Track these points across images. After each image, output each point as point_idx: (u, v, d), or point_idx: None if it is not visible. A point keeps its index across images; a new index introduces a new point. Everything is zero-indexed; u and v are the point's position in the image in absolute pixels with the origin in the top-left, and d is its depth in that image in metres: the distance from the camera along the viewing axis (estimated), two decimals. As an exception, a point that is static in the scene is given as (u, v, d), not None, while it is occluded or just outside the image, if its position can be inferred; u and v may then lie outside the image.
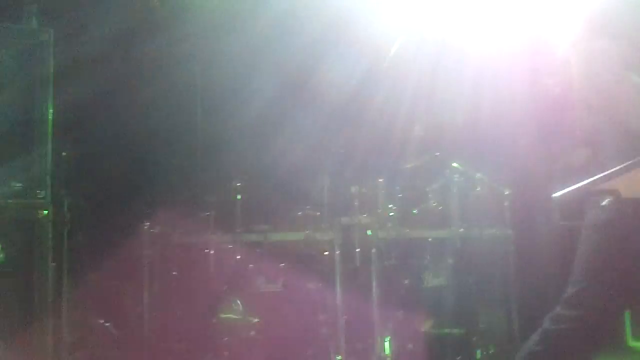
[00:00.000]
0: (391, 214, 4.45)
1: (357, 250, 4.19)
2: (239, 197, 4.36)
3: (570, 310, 2.07)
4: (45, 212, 3.14)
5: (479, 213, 4.56)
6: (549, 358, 2.07)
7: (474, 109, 4.80)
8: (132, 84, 4.96)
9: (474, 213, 4.55)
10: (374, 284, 4.08)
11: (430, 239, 4.46)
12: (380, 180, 4.47)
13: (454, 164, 4.62)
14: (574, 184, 1.99)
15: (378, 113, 5.03)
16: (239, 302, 4.11)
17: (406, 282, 4.33)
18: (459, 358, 4.09)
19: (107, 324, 4.36)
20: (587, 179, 2.00)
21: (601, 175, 2.04)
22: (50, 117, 3.24)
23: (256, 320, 4.05)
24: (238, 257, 4.29)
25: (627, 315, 4.02)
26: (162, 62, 5.06)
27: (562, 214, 4.58)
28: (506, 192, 4.55)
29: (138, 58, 5.01)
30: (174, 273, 4.36)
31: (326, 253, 4.32)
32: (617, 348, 4.09)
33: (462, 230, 4.45)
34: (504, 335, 4.43)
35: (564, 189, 2.00)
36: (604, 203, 2.10)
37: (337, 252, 4.10)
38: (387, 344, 4.05)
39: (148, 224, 4.37)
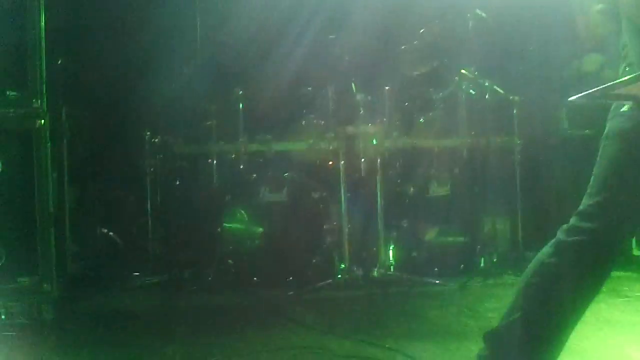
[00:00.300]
0: (397, 122, 4.37)
1: (362, 159, 4.13)
2: (241, 105, 4.27)
3: (586, 222, 2.00)
4: (42, 121, 3.06)
5: (487, 122, 4.47)
6: (563, 270, 2.02)
7: (482, 15, 4.63)
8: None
9: (482, 122, 4.47)
10: (379, 193, 4.05)
11: (436, 149, 4.39)
12: (387, 88, 4.35)
13: (463, 71, 4.48)
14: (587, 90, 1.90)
15: (384, 19, 4.85)
16: (242, 212, 4.10)
17: (411, 191, 4.30)
18: (462, 266, 4.10)
19: (110, 234, 4.38)
20: (601, 85, 1.90)
21: (618, 80, 1.94)
22: (42, 23, 3.11)
23: (260, 229, 4.05)
24: (241, 166, 4.25)
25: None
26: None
27: (573, 122, 4.49)
28: (515, 100, 4.42)
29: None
30: (176, 183, 4.33)
31: (330, 163, 4.27)
32: (623, 257, 4.10)
33: (469, 139, 4.38)
34: (509, 244, 4.44)
35: (576, 95, 1.90)
36: (623, 109, 2.00)
37: (342, 162, 4.05)
38: (391, 252, 4.07)
39: (149, 133, 4.31)
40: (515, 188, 4.31)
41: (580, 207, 2.04)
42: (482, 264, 4.13)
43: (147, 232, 4.31)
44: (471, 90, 4.46)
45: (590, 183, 2.05)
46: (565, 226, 2.06)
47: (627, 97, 1.95)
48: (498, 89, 4.45)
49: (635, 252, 4.14)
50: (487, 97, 4.44)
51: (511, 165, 4.36)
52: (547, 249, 2.08)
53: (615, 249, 2.05)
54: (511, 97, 4.42)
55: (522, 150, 4.37)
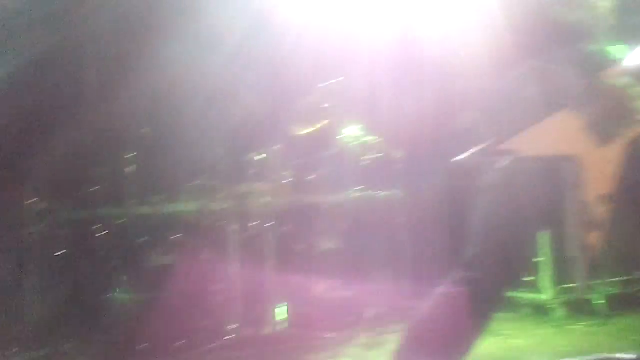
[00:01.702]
0: (287, 181, 4.47)
1: (253, 218, 4.18)
2: (131, 168, 4.25)
3: (470, 272, 2.10)
4: None
5: (374, 176, 4.64)
6: (448, 320, 2.09)
7: (368, 73, 4.83)
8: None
9: (369, 177, 4.63)
10: (270, 251, 4.09)
11: (325, 205, 4.50)
12: (276, 147, 4.46)
13: (349, 129, 4.67)
14: (469, 147, 2.04)
15: (273, 80, 4.99)
16: (129, 277, 4.04)
17: (302, 248, 4.37)
18: (352, 318, 4.17)
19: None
20: (482, 141, 2.06)
21: (496, 136, 2.09)
22: None
23: (150, 294, 4.00)
24: (130, 230, 4.20)
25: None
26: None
27: (459, 176, 4.70)
28: (399, 155, 4.63)
29: None
30: (60, 251, 4.22)
31: (222, 223, 4.29)
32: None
33: (356, 194, 4.52)
34: (399, 294, 4.55)
35: (459, 151, 2.05)
36: (499, 164, 2.15)
37: (233, 222, 4.09)
38: (282, 310, 4.09)
39: (33, 199, 4.20)
40: (403, 240, 4.46)
41: (463, 258, 2.15)
42: (371, 315, 4.22)
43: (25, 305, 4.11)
44: (358, 147, 4.64)
45: (470, 234, 2.17)
46: (449, 276, 2.15)
47: (505, 153, 2.10)
48: (383, 145, 4.65)
49: (512, 294, 4.33)
50: (373, 153, 4.63)
51: (398, 219, 4.53)
52: (430, 300, 2.16)
53: (499, 296, 2.16)
54: (395, 153, 4.63)
55: (408, 203, 4.55)
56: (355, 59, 4.82)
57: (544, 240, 4.11)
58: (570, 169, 2.00)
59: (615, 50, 2.23)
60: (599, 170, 2.03)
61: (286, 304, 4.13)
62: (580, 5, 2.17)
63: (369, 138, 4.67)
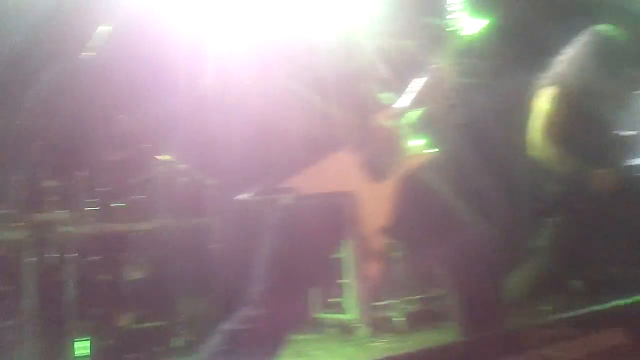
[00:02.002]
0: (92, 208, 4.28)
1: (53, 248, 3.96)
2: None
3: (255, 310, 2.12)
4: None
5: (184, 204, 4.59)
6: (235, 358, 2.09)
7: (180, 101, 4.81)
8: None
9: (179, 205, 4.57)
10: (72, 283, 3.89)
11: (133, 232, 4.37)
12: (81, 173, 4.27)
13: (160, 157, 4.60)
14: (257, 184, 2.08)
15: (81, 104, 4.80)
16: None
17: (107, 278, 4.19)
18: (158, 348, 4.07)
19: None
20: (269, 177, 2.11)
21: (279, 174, 2.15)
22: None
23: None
24: None
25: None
26: None
27: (246, 214, 4.77)
28: (210, 183, 4.62)
29: None
30: None
31: (17, 253, 4.01)
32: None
33: (165, 222, 4.43)
34: (204, 324, 4.49)
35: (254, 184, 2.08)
36: (282, 202, 2.20)
37: (30, 252, 3.84)
38: (84, 345, 3.89)
39: None
40: (211, 268, 4.43)
41: (250, 295, 2.16)
42: (178, 344, 4.14)
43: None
44: (167, 174, 4.57)
45: (256, 271, 2.19)
46: (236, 314, 2.16)
47: (287, 191, 2.16)
48: (193, 173, 4.62)
49: (316, 314, 4.47)
50: (182, 180, 4.58)
51: (207, 246, 4.50)
52: (218, 337, 2.15)
53: (285, 331, 2.19)
54: (206, 181, 4.62)
55: (218, 231, 4.54)
56: (164, 84, 4.79)
57: (349, 261, 4.30)
58: (349, 204, 2.14)
59: (387, 95, 2.43)
60: (376, 204, 2.19)
61: (89, 337, 3.92)
62: (359, 54, 2.34)
63: (181, 165, 4.63)
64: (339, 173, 2.18)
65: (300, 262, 2.15)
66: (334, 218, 2.15)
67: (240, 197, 2.18)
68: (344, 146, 2.20)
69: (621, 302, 2.30)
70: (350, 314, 4.35)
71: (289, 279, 2.16)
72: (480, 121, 4.99)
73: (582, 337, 1.90)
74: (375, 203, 2.20)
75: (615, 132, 3.71)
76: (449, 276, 2.38)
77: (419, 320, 4.35)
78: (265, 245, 2.23)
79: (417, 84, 2.41)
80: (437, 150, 2.40)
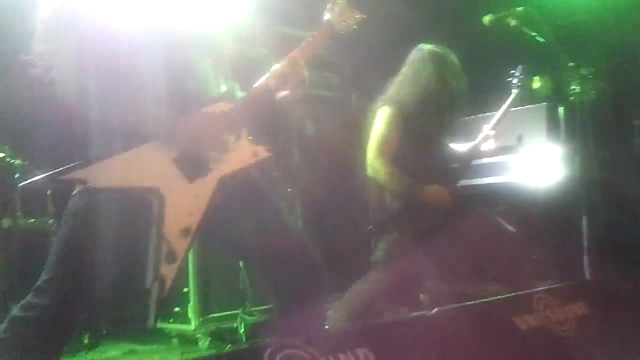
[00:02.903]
0: None
1: None
2: None
3: (39, 298, 2.04)
4: None
5: (19, 202, 4.31)
6: (16, 347, 2.00)
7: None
8: None
9: (15, 202, 4.29)
10: None
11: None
12: None
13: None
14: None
15: None
16: None
17: None
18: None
19: None
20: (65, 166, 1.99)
21: (70, 165, 2.05)
22: None
23: None
24: None
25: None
26: None
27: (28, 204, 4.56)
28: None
29: None
30: None
31: None
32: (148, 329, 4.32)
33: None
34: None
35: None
36: (74, 192, 2.12)
37: None
38: None
39: None
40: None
41: (37, 283, 2.07)
42: None
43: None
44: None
45: (48, 259, 2.10)
46: (22, 302, 2.07)
47: (79, 182, 2.06)
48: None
49: (158, 325, 4.36)
50: (17, 175, 4.31)
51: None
52: (3, 324, 2.06)
53: (66, 325, 2.11)
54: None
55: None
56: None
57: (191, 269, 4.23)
58: (154, 201, 2.06)
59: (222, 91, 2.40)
60: (185, 204, 2.12)
61: None
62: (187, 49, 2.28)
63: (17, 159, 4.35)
64: (147, 168, 2.07)
65: (91, 254, 2.07)
66: (133, 213, 2.06)
67: (22, 184, 2.05)
68: (154, 139, 2.10)
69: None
70: (193, 325, 4.27)
71: (74, 271, 2.08)
72: (324, 133, 5.09)
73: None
74: (186, 202, 2.10)
75: (450, 151, 3.91)
76: (269, 284, 2.38)
77: (260, 331, 4.35)
78: (59, 232, 2.16)
79: (257, 87, 2.37)
80: (269, 153, 2.31)
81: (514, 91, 3.95)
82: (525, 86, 4.05)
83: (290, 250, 2.29)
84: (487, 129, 3.83)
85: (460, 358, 1.61)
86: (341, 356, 1.44)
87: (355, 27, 2.48)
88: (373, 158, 3.65)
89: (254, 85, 2.37)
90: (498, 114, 3.87)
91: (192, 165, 2.13)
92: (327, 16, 2.45)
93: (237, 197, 2.26)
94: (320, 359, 1.42)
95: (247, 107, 2.30)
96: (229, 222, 2.29)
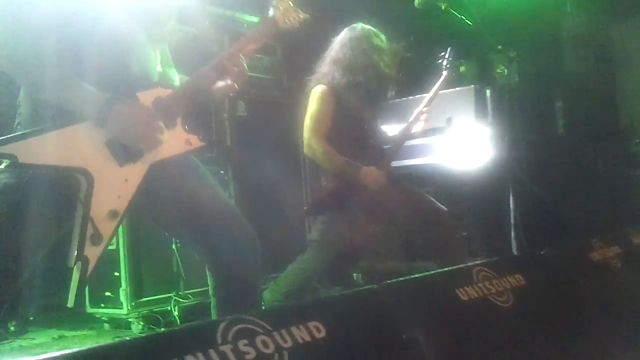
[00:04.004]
0: None
1: None
2: None
3: None
4: None
5: None
6: None
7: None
8: None
9: None
10: None
11: None
12: None
13: None
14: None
15: None
16: None
17: None
18: None
19: None
20: None
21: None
22: None
23: None
24: None
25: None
26: None
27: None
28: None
29: None
30: None
31: None
32: (78, 315, 4.24)
33: None
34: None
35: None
36: (1, 167, 2.04)
37: None
38: None
39: None
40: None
41: None
42: None
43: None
44: None
45: None
46: None
47: (6, 157, 1.98)
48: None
49: (88, 310, 4.26)
50: None
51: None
52: None
53: None
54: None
55: None
56: None
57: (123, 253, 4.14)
58: (82, 181, 2.02)
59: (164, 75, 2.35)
60: (114, 187, 2.08)
61: None
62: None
63: None
64: (77, 148, 2.02)
65: (16, 233, 2.03)
66: (60, 192, 2.02)
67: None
68: (86, 119, 2.05)
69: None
70: (125, 309, 4.18)
71: None
72: (256, 115, 5.07)
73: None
74: (115, 185, 2.07)
75: (382, 132, 3.96)
76: (206, 260, 2.37)
77: (193, 314, 4.30)
78: None
79: (196, 76, 2.35)
80: (202, 143, 2.31)
81: (444, 73, 4.02)
82: (454, 68, 4.12)
83: (226, 225, 2.32)
84: (417, 110, 3.89)
85: (407, 327, 1.65)
86: (294, 330, 1.44)
87: (297, 25, 2.50)
88: (309, 137, 3.66)
89: (193, 74, 2.35)
90: (428, 95, 3.94)
91: (123, 150, 2.10)
92: (271, 12, 2.46)
93: (169, 178, 2.24)
94: (273, 332, 1.41)
95: (184, 96, 2.28)
96: (162, 204, 2.28)
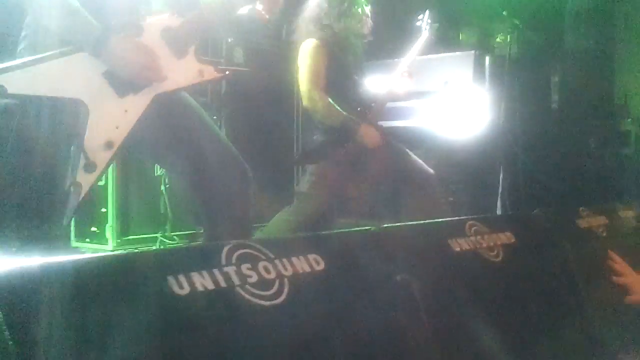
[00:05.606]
0: None
1: None
2: None
3: None
4: None
5: None
6: None
7: None
8: None
9: None
10: None
11: None
12: None
13: None
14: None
15: None
16: None
17: None
18: None
19: None
20: None
21: None
22: None
23: None
24: None
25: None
26: None
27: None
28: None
29: None
30: None
31: None
32: (62, 249, 4.20)
33: None
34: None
35: None
36: None
37: None
38: None
39: None
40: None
41: None
42: None
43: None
44: None
45: None
46: None
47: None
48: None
49: (73, 244, 4.27)
50: None
51: None
52: None
53: None
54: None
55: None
56: None
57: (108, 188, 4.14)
58: (76, 111, 2.01)
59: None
60: (111, 117, 2.07)
61: None
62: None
63: None
64: (73, 78, 1.99)
65: (10, 160, 2.03)
66: (54, 121, 2.00)
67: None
68: (84, 49, 2.02)
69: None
70: (110, 245, 4.20)
71: None
72: (252, 62, 5.04)
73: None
74: (113, 116, 2.05)
75: (367, 90, 3.94)
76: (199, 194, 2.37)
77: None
78: None
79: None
80: (219, 74, 2.26)
81: (424, 33, 3.97)
82: (432, 30, 4.05)
83: (221, 156, 2.31)
84: (399, 70, 3.87)
85: (399, 270, 1.69)
86: (294, 260, 1.47)
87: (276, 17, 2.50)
88: (310, 90, 3.64)
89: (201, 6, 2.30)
90: (408, 55, 3.91)
91: (122, 82, 2.08)
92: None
93: (168, 113, 2.22)
94: (274, 260, 1.44)
95: (198, 24, 2.24)
96: (160, 139, 2.26)
